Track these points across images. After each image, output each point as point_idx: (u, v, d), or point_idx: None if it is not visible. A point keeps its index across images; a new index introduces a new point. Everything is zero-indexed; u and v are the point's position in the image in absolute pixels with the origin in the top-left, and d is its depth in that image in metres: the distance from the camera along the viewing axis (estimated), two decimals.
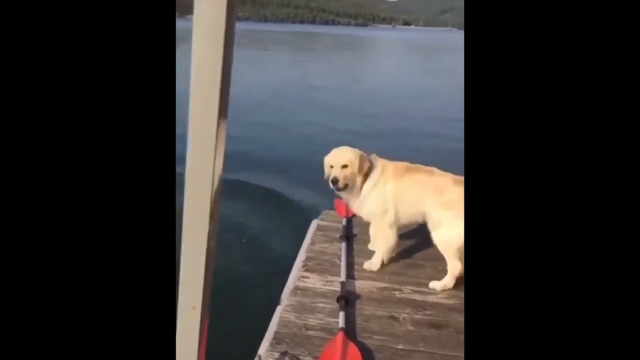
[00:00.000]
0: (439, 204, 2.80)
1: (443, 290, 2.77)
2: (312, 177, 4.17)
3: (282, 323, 2.40)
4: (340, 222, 3.59)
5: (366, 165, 2.91)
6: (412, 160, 3.12)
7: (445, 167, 3.03)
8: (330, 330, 2.34)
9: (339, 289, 2.69)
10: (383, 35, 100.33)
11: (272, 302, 2.69)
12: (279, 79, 17.99)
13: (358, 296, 2.66)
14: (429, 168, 2.98)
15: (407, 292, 2.73)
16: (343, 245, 3.16)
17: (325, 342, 2.23)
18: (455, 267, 2.79)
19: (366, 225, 3.24)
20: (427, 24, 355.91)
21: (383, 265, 2.99)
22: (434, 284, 2.80)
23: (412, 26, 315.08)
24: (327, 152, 2.99)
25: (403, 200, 2.91)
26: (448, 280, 2.80)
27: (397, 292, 2.73)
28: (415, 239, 3.31)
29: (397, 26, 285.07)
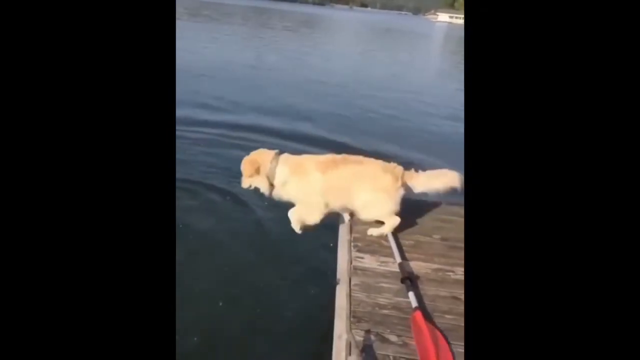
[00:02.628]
0: (373, 188, 3.10)
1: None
2: None
3: (355, 302, 2.43)
4: None
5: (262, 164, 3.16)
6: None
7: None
8: (403, 310, 2.40)
9: (395, 270, 2.76)
10: (342, 15, 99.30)
11: None
12: (231, 56, 16.40)
13: (417, 277, 2.73)
14: (355, 157, 3.23)
15: (459, 273, 2.82)
16: None
17: (402, 322, 2.30)
18: (394, 220, 3.16)
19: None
20: (383, 6, 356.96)
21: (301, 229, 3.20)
22: (372, 231, 3.18)
23: (369, 8, 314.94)
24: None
25: (334, 190, 3.11)
26: (386, 229, 3.16)
27: (450, 273, 2.82)
28: (451, 223, 3.43)
29: (354, 7, 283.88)
